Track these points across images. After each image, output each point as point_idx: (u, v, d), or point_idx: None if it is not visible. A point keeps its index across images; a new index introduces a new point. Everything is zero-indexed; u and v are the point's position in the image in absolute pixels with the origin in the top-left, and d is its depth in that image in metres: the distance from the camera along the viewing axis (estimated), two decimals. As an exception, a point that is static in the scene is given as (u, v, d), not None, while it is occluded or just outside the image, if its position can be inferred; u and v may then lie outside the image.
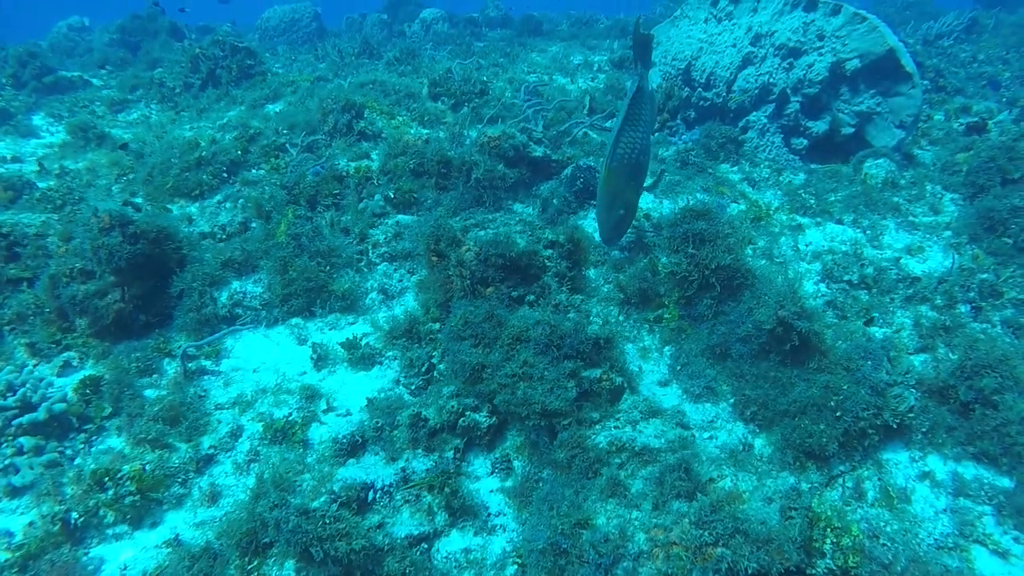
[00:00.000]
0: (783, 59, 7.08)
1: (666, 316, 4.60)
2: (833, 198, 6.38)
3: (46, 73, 11.22)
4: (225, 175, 6.92)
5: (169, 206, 6.66)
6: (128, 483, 3.53)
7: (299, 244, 5.11)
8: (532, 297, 4.43)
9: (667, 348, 4.49)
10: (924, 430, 3.98)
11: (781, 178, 6.73)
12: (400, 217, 5.91)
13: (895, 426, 3.87)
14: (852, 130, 7.15)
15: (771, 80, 7.01)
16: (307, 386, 4.38)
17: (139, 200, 6.91)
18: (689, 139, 7.14)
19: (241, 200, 6.19)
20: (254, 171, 6.98)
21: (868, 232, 5.76)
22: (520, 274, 4.45)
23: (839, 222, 5.98)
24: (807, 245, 5.55)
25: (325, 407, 4.27)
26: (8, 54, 11.61)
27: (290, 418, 4.16)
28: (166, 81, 10.95)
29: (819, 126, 7.10)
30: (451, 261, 4.43)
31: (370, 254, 5.55)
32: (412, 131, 7.04)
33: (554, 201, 5.86)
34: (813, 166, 7.12)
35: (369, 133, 7.28)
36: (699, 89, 7.25)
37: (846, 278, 5.06)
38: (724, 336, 4.20)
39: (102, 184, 7.48)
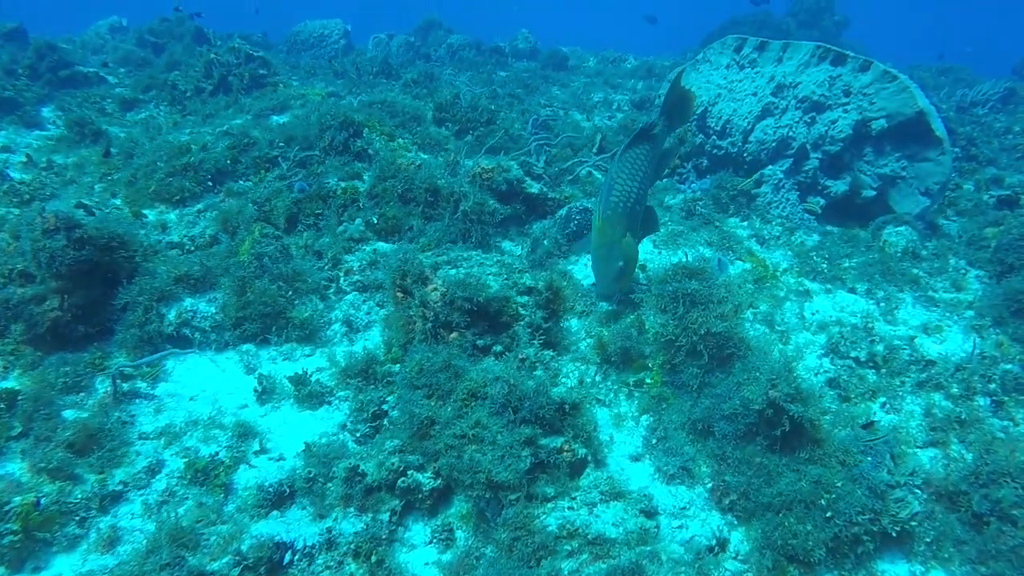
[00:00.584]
0: (805, 113, 6.68)
1: (648, 381, 4.15)
2: (847, 264, 5.92)
3: (62, 67, 11.09)
4: (210, 183, 6.61)
5: (148, 211, 6.36)
6: (13, 520, 3.11)
7: (261, 265, 4.73)
8: (499, 348, 4.00)
9: (645, 417, 4.03)
10: (928, 540, 3.47)
11: (793, 238, 6.29)
12: (380, 244, 5.54)
13: (895, 534, 3.37)
14: (874, 193, 6.72)
15: (791, 134, 6.61)
16: (243, 422, 3.97)
17: (117, 201, 6.62)
18: (699, 188, 6.73)
19: (216, 212, 5.86)
20: (241, 182, 6.68)
21: (882, 305, 5.28)
22: (489, 321, 4.04)
23: (851, 291, 5.51)
24: (814, 313, 5.09)
25: (258, 448, 3.85)
26: (28, 45, 11.55)
27: (216, 457, 3.74)
28: (178, 84, 10.77)
29: (838, 186, 6.67)
30: (415, 300, 4.03)
31: (341, 281, 5.17)
32: (408, 155, 6.70)
33: (544, 242, 5.46)
34: (829, 228, 6.68)
35: (365, 153, 6.96)
36: (713, 136, 6.87)
37: (853, 354, 4.58)
38: (708, 411, 3.74)
39: (86, 182, 7.21)
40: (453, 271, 4.16)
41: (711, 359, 3.86)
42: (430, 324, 3.97)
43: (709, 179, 6.75)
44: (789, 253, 6.04)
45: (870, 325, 4.89)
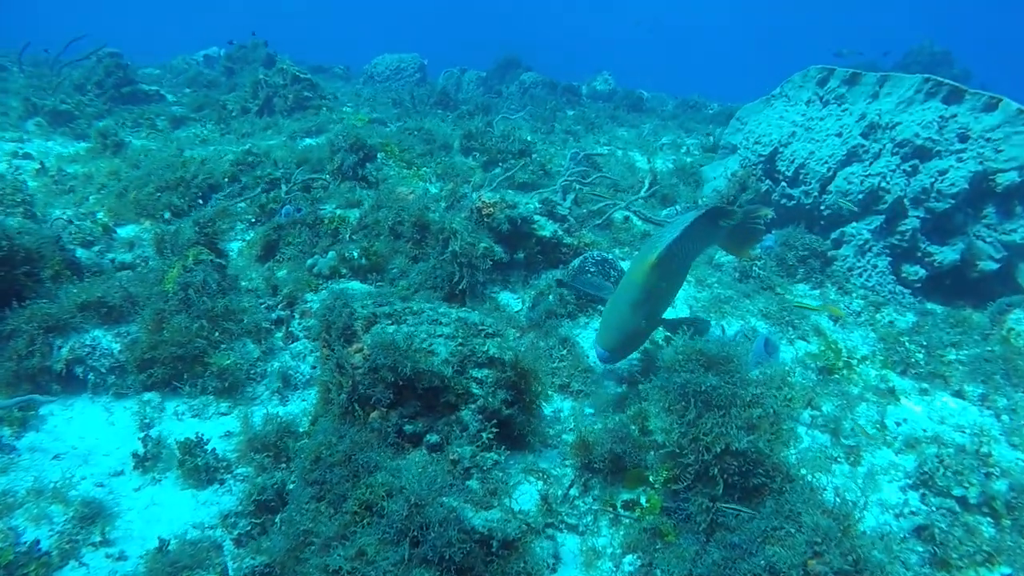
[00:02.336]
0: (905, 160, 5.34)
1: (643, 503, 2.93)
2: (953, 356, 4.49)
3: (125, 83, 10.99)
4: (200, 202, 5.90)
5: (131, 226, 5.71)
6: None
7: (187, 297, 3.84)
8: (435, 438, 2.90)
9: (629, 559, 2.80)
10: None
11: (879, 315, 4.90)
12: (354, 284, 4.58)
13: None
14: (996, 266, 5.25)
15: (884, 184, 5.27)
16: (91, 500, 3.01)
17: (100, 215, 6.01)
18: (761, 245, 5.46)
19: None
20: (235, 202, 5.93)
21: (1004, 419, 3.86)
22: (424, 400, 2.96)
23: (958, 395, 4.10)
24: (900, 423, 3.73)
25: (99, 538, 2.88)
26: (100, 63, 11.58)
27: (37, 546, 2.78)
28: (228, 104, 10.44)
29: (947, 254, 5.25)
30: (333, 360, 3.00)
31: (294, 324, 4.23)
32: (415, 184, 5.77)
33: (550, 297, 4.35)
34: (930, 306, 5.25)
35: (373, 179, 6.10)
36: (783, 184, 5.60)
37: (956, 492, 3.20)
38: (718, 568, 2.48)
39: (84, 192, 6.69)
40: (392, 327, 3.11)
41: (729, 488, 2.61)
42: (345, 395, 2.92)
43: (774, 234, 5.46)
44: (872, 335, 4.67)
45: (985, 448, 3.48)
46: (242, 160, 6.31)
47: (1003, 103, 5.26)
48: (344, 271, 4.65)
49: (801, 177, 5.53)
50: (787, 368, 3.80)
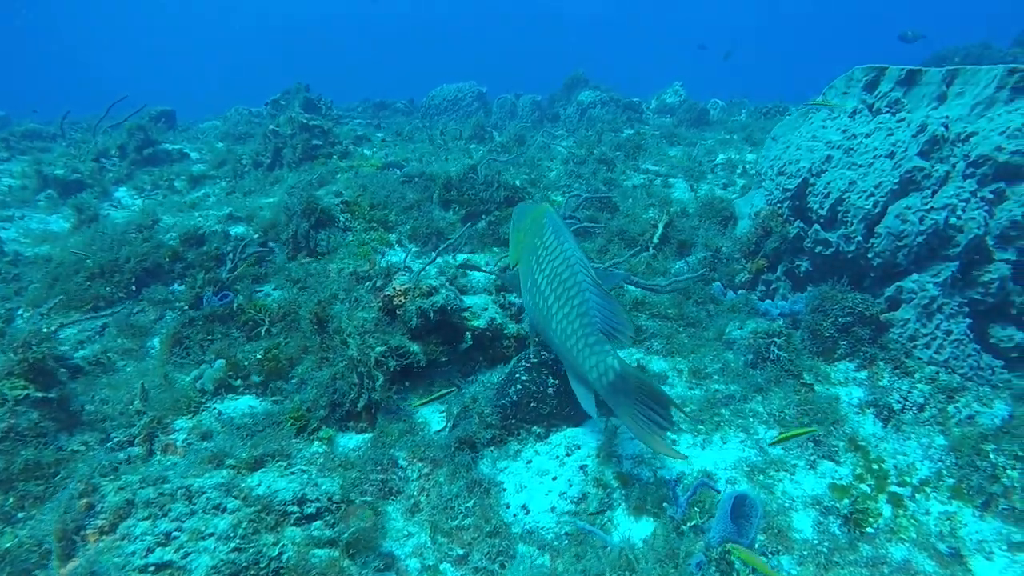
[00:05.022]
0: (983, 183, 3.91)
1: None
2: (1064, 475, 3.07)
3: (147, 145, 10.86)
4: (133, 288, 5.28)
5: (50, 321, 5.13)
6: None
7: None
8: None
9: None
10: None
11: (953, 407, 3.51)
12: (244, 401, 3.73)
13: None
14: None
15: (955, 220, 3.87)
16: None
17: (20, 311, 5.49)
18: (789, 309, 4.16)
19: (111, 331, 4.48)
20: (176, 286, 5.27)
21: None
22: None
23: (1067, 552, 2.72)
24: (964, 621, 2.42)
25: None
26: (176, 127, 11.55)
27: None
28: (243, 158, 10.05)
29: (1053, 310, 3.77)
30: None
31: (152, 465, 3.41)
32: (354, 258, 4.88)
33: (474, 415, 3.31)
34: (1031, 385, 3.78)
35: (323, 250, 5.28)
36: (816, 225, 4.27)
37: None
38: None
39: (27, 279, 6.25)
40: (118, 546, 2.17)
41: None
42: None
43: (803, 296, 4.15)
44: (938, 444, 3.30)
45: None
46: (190, 235, 5.65)
47: (1125, 95, 3.75)
48: (238, 383, 3.79)
49: (840, 216, 4.18)
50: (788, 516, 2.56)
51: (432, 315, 3.51)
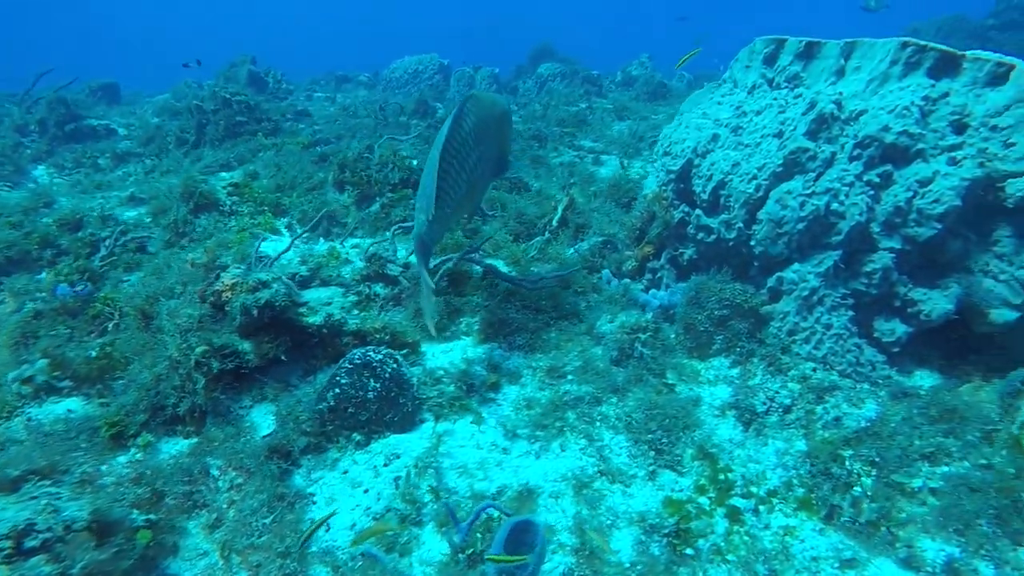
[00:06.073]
0: (870, 166, 3.65)
1: None
2: (920, 483, 2.88)
3: (69, 120, 10.42)
4: (-6, 277, 4.96)
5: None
6: None
7: None
8: None
9: None
10: None
11: (822, 410, 3.28)
12: (68, 404, 3.45)
13: None
14: (1015, 315, 3.50)
15: (837, 205, 3.61)
16: None
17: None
18: (668, 300, 3.90)
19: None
20: (44, 275, 4.96)
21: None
22: None
23: (909, 564, 2.51)
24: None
25: None
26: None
27: None
28: (168, 135, 9.66)
29: (937, 302, 3.54)
30: None
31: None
32: (218, 246, 4.58)
33: (290, 421, 3.05)
34: (919, 381, 3.56)
35: (198, 236, 4.97)
36: (698, 210, 4.00)
37: None
38: None
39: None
40: None
41: None
42: None
43: (681, 287, 3.89)
44: (796, 450, 3.07)
45: None
46: (65, 220, 5.32)
47: (1016, 71, 3.46)
48: (64, 384, 3.51)
49: (723, 200, 3.91)
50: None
51: (256, 312, 3.23)
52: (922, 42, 3.77)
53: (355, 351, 3.15)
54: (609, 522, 2.65)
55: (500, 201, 5.26)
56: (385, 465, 2.93)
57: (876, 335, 3.69)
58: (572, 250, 4.60)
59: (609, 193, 5.40)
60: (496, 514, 2.52)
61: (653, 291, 4.05)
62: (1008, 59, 3.58)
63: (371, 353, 3.11)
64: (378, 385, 3.01)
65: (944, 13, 17.79)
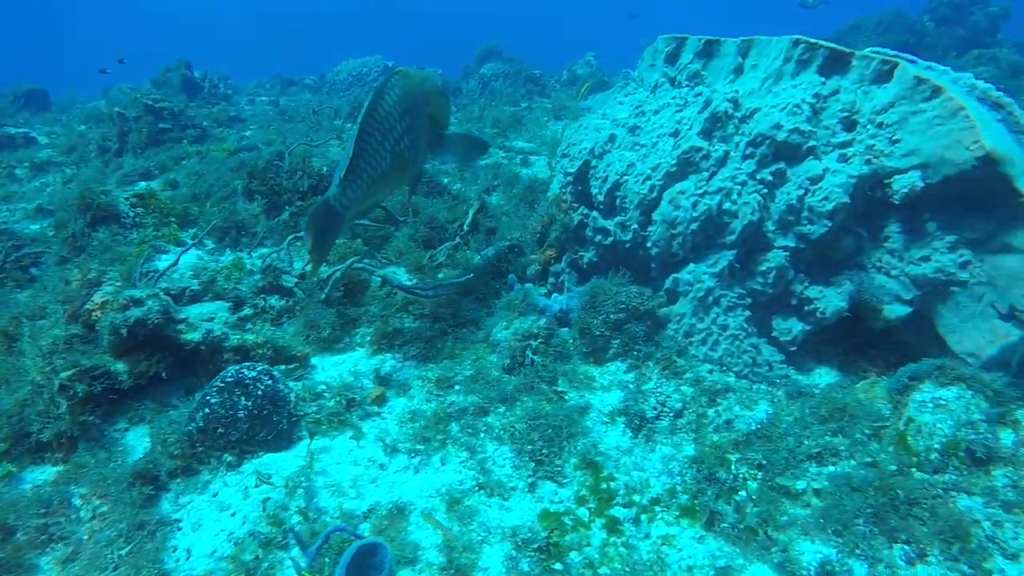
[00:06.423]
0: (762, 165, 3.63)
1: None
2: (803, 484, 2.85)
3: (-17, 129, 10.05)
4: None
5: None
6: None
7: None
8: None
9: None
10: None
11: (713, 413, 3.24)
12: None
13: None
14: (906, 310, 3.51)
15: (729, 205, 3.58)
16: None
17: None
18: (567, 304, 3.84)
19: None
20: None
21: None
22: None
23: (784, 568, 2.47)
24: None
25: None
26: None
27: None
28: (91, 143, 9.35)
29: (831, 299, 3.53)
30: None
31: None
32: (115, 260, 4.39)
33: (156, 443, 2.91)
34: (812, 381, 3.55)
35: (94, 250, 4.77)
36: (595, 212, 3.95)
37: None
38: None
39: None
40: None
41: None
42: None
43: (579, 291, 3.83)
44: (683, 455, 3.03)
45: None
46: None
47: (899, 68, 3.47)
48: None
49: (618, 202, 3.86)
50: None
51: (126, 331, 3.07)
52: (812, 40, 3.77)
53: (229, 368, 3.01)
54: (480, 538, 2.57)
55: (414, 206, 5.15)
56: (256, 486, 2.80)
57: (774, 334, 3.67)
58: (479, 256, 4.51)
59: (523, 196, 5.33)
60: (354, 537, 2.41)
61: (555, 296, 3.99)
62: (894, 55, 3.60)
63: (245, 370, 2.98)
64: (249, 403, 2.89)
65: (884, 8, 18.12)
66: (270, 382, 2.99)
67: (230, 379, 2.93)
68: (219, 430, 2.86)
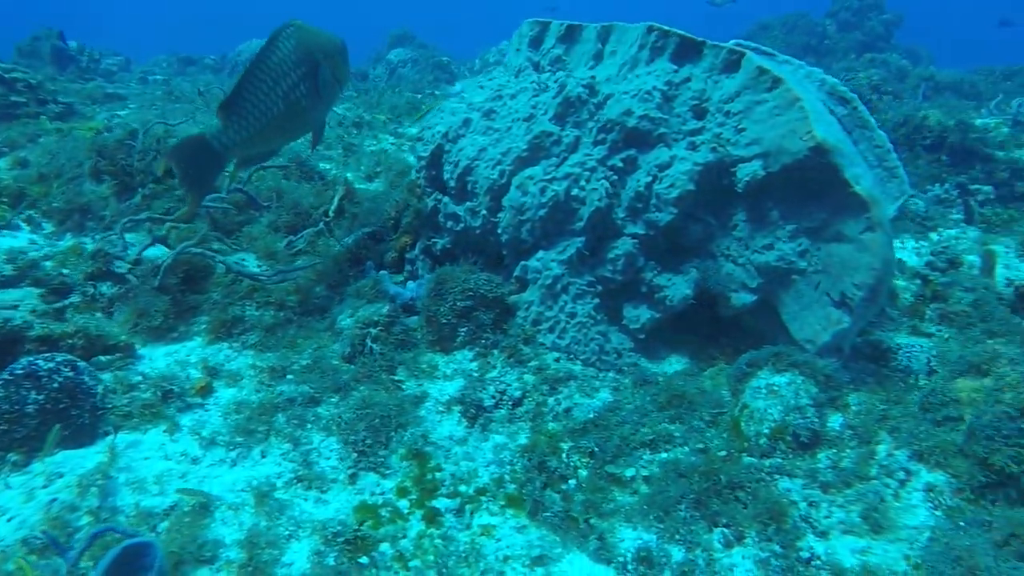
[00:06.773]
0: (612, 151, 3.60)
1: None
2: (632, 472, 2.84)
3: None
4: None
5: None
6: None
7: None
8: None
9: None
10: None
11: (553, 401, 3.19)
12: None
13: None
14: (752, 298, 3.56)
15: (577, 191, 3.54)
16: None
17: None
18: (416, 292, 3.72)
19: None
20: None
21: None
22: None
23: (596, 557, 2.43)
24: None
25: None
26: None
27: None
28: (-58, 118, 8.54)
29: (679, 287, 3.55)
30: None
31: None
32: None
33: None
34: (663, 369, 3.56)
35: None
36: (446, 198, 3.85)
37: None
38: None
39: None
40: None
41: None
42: None
43: (426, 279, 3.72)
44: (516, 445, 2.96)
45: None
46: None
47: (746, 59, 3.51)
48: None
49: (469, 187, 3.77)
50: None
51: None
52: (665, 27, 3.77)
53: (21, 360, 2.74)
54: (288, 532, 2.42)
55: (276, 190, 4.91)
56: (44, 487, 2.55)
57: (624, 322, 3.66)
58: (338, 244, 4.34)
59: (394, 181, 5.17)
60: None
61: (409, 283, 3.86)
62: (743, 45, 3.64)
63: (40, 362, 2.72)
64: (40, 397, 2.63)
65: (790, 9, 18.74)
66: (71, 373, 2.74)
67: (19, 371, 2.66)
68: (3, 427, 2.60)
